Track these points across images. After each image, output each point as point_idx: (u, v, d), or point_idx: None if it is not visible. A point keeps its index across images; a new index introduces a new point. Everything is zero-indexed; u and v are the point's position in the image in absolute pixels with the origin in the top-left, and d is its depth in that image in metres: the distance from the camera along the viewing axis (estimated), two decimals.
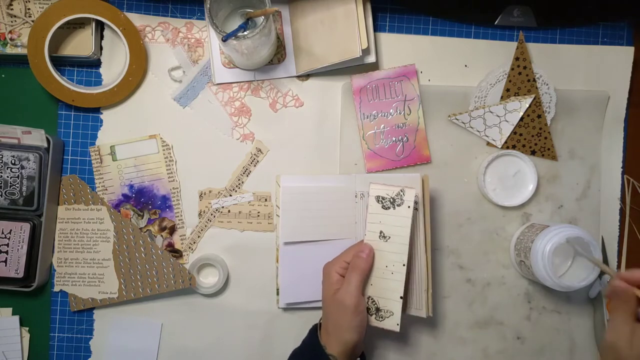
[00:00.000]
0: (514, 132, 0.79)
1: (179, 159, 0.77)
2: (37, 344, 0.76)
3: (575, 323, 0.80)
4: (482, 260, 0.79)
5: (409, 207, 0.66)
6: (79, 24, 0.73)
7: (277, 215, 0.76)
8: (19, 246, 0.71)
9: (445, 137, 0.79)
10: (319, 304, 0.69)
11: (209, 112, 0.77)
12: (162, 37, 0.76)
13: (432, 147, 0.79)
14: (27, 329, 0.76)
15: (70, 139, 0.76)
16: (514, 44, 0.79)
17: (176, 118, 0.77)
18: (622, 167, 0.81)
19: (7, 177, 0.71)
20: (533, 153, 0.79)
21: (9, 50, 0.73)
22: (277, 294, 0.76)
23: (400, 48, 0.78)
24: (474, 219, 0.79)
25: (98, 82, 0.76)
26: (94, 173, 0.76)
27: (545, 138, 0.79)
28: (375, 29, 0.77)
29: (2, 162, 0.71)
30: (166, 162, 0.76)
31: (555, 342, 0.80)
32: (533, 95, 0.78)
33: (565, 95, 0.79)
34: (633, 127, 0.82)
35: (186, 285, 0.75)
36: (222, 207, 0.77)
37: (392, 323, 0.66)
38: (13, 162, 0.71)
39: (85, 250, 0.75)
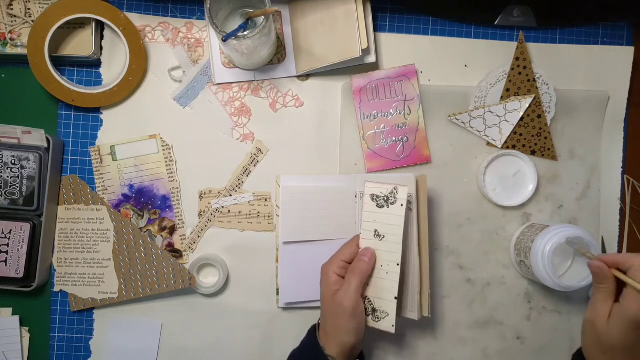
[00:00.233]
0: (514, 132, 0.79)
1: (179, 159, 0.77)
2: (37, 344, 0.76)
3: (575, 323, 0.80)
4: (482, 260, 0.79)
5: (402, 205, 0.66)
6: (79, 24, 0.73)
7: (277, 215, 0.76)
8: (19, 246, 0.71)
9: (445, 137, 0.79)
10: (319, 304, 0.69)
11: (209, 112, 0.77)
12: (162, 37, 0.76)
13: (432, 147, 0.79)
14: (27, 329, 0.76)
15: (70, 139, 0.76)
16: (514, 44, 0.79)
17: (176, 118, 0.77)
18: (622, 167, 0.81)
19: (7, 177, 0.71)
20: (533, 153, 0.79)
21: (9, 50, 0.73)
22: (277, 293, 0.76)
23: (400, 48, 0.78)
24: (474, 219, 0.79)
25: (98, 82, 0.76)
26: (94, 173, 0.76)
27: (545, 138, 0.79)
28: (375, 29, 0.77)
29: (2, 162, 0.71)
30: (166, 162, 0.76)
31: (555, 342, 0.80)
32: (533, 95, 0.78)
33: (565, 95, 0.79)
34: (633, 127, 0.82)
35: (186, 285, 0.75)
36: (222, 207, 0.77)
37: (388, 324, 0.66)
38: (13, 162, 0.71)
39: (85, 250, 0.75)
